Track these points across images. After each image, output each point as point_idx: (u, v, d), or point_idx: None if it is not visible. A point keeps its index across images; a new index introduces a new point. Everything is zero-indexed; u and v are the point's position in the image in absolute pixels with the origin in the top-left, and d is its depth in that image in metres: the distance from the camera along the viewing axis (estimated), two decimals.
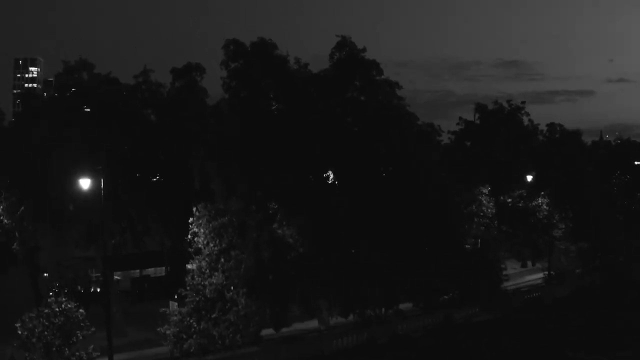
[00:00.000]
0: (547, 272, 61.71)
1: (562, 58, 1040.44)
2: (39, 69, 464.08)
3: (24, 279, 57.99)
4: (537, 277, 65.48)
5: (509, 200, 55.45)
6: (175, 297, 63.19)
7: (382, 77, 43.07)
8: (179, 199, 56.32)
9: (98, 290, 66.10)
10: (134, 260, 65.38)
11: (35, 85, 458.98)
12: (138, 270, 71.22)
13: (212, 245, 36.82)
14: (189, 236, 37.54)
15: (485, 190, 53.83)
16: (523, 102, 64.59)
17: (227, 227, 36.74)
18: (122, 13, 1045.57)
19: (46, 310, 34.56)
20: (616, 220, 59.34)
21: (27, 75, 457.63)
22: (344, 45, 43.17)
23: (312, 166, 40.50)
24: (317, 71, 42.73)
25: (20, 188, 50.49)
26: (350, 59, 43.07)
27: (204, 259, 36.98)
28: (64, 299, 35.44)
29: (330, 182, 42.20)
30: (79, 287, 63.25)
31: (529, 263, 69.65)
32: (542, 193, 56.26)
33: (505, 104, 63.68)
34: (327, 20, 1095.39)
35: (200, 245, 37.64)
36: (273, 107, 40.04)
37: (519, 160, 58.53)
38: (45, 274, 56.93)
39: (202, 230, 37.31)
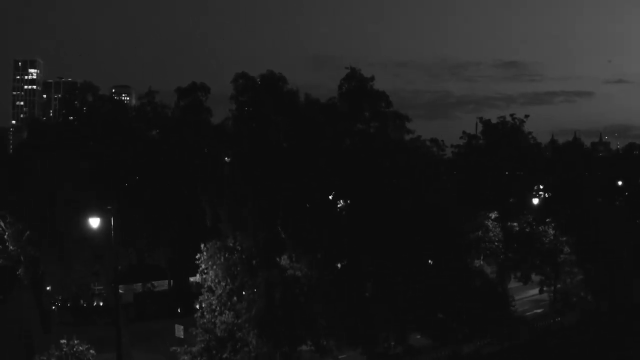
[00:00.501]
0: (552, 294, 61.49)
1: (561, 59, 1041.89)
2: (38, 71, 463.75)
3: (28, 297, 58.13)
4: (537, 291, 66.05)
5: (516, 225, 55.31)
6: (179, 310, 63.33)
7: (392, 109, 42.80)
8: (182, 213, 56.32)
9: (101, 304, 66.02)
10: (136, 273, 65.14)
11: (34, 87, 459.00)
12: (140, 284, 71.11)
13: (223, 284, 36.56)
14: (198, 275, 37.30)
15: (492, 215, 53.64)
16: (527, 116, 64.27)
17: (238, 266, 36.48)
18: (122, 13, 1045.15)
19: (57, 353, 34.32)
20: (623, 243, 59.13)
21: (26, 77, 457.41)
22: (353, 77, 42.91)
23: (322, 197, 40.25)
24: (324, 93, 42.48)
25: (26, 216, 50.62)
26: (359, 90, 42.84)
27: (215, 297, 36.73)
28: (76, 342, 35.12)
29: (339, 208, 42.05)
30: (82, 301, 63.29)
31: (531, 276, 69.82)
32: (548, 220, 56.15)
33: (508, 118, 63.39)
34: (327, 21, 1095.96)
35: (209, 283, 37.39)
36: (283, 143, 39.72)
37: (522, 182, 58.27)
38: (49, 287, 56.98)
39: (211, 268, 37.06)
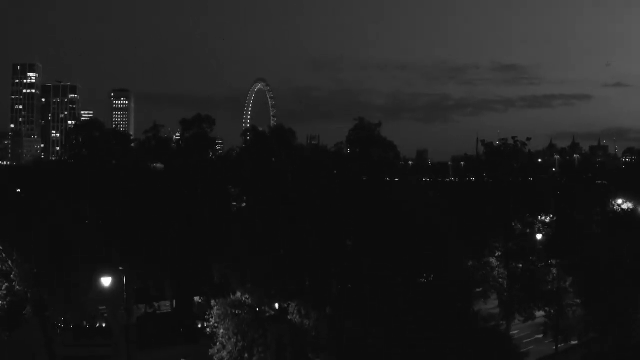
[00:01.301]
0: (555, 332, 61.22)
1: (559, 62, 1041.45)
2: (37, 75, 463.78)
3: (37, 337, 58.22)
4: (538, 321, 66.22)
5: (520, 266, 55.44)
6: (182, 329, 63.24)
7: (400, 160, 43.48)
8: (187, 242, 56.57)
9: (104, 325, 66.18)
10: (139, 294, 65.11)
11: (33, 90, 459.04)
12: (143, 305, 71.15)
13: (234, 340, 36.95)
14: (207, 329, 37.70)
15: (497, 254, 53.94)
16: (529, 139, 64.54)
17: (247, 323, 36.89)
18: (122, 13, 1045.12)
19: None
20: (626, 282, 59.22)
21: (25, 81, 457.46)
22: (362, 127, 43.57)
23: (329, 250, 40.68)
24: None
25: (35, 258, 50.78)
26: (367, 140, 43.48)
27: (226, 352, 37.14)
28: None
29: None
30: (85, 323, 63.51)
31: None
32: (552, 262, 56.37)
33: (510, 140, 63.55)
34: (327, 22, 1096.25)
35: (221, 338, 37.79)
36: (293, 194, 40.28)
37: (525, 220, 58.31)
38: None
39: (222, 324, 37.45)
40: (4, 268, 53.04)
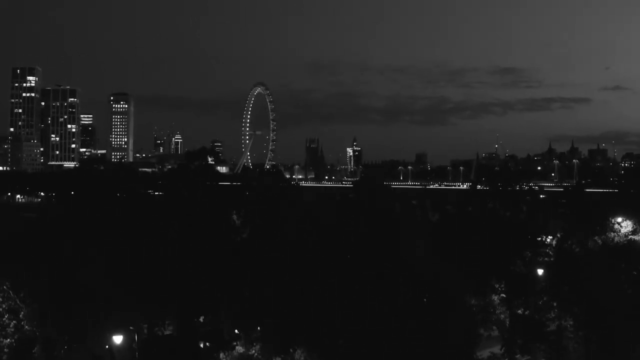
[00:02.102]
0: None
1: (558, 65, 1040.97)
2: (36, 78, 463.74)
3: None
4: None
5: (522, 310, 55.92)
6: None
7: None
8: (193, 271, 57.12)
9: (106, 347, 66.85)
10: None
11: (33, 94, 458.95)
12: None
13: None
14: None
15: (500, 295, 54.45)
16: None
17: None
18: (122, 13, 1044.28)
19: None
20: (627, 316, 59.62)
21: (24, 85, 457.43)
22: (367, 179, 44.53)
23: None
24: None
25: (43, 298, 51.48)
26: (371, 191, 44.38)
27: None
28: None
29: None
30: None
31: None
32: (554, 304, 56.86)
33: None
34: (326, 25, 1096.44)
35: None
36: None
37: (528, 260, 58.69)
38: None
39: None
40: (13, 305, 53.70)
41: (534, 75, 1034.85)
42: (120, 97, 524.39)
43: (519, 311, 55.02)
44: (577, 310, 58.13)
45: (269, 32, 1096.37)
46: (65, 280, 50.64)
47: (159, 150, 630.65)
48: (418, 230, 51.67)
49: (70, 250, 51.64)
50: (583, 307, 57.69)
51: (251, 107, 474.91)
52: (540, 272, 60.65)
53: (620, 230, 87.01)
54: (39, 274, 51.97)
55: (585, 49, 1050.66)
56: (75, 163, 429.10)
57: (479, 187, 71.93)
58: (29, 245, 54.39)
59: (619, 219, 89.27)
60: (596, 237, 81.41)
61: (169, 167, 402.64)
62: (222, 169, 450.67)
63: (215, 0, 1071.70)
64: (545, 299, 56.04)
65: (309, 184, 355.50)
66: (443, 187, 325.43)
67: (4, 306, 52.82)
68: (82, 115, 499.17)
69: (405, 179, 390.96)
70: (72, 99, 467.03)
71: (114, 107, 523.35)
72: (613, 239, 78.29)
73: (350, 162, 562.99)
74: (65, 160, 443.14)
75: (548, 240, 70.70)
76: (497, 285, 55.02)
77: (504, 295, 54.69)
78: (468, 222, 62.65)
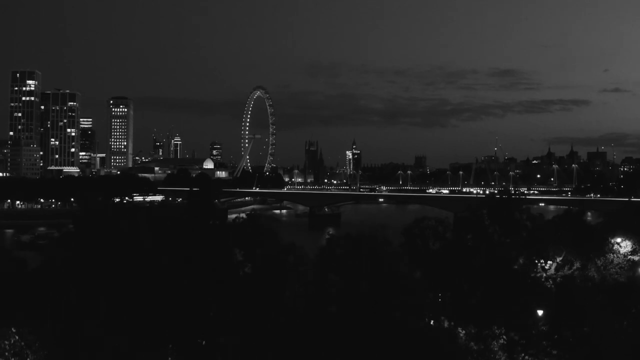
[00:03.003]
0: None
1: (557, 67, 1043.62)
2: (36, 82, 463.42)
3: None
4: None
5: (524, 356, 56.30)
6: None
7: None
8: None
9: None
10: None
11: (32, 98, 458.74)
12: None
13: None
14: None
15: (501, 340, 54.84)
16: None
17: None
18: (122, 13, 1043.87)
19: None
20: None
21: (24, 89, 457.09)
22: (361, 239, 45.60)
23: None
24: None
25: (50, 345, 52.05)
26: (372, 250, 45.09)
27: None
28: None
29: None
30: None
31: None
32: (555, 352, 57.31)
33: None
34: (325, 27, 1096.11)
35: None
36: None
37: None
38: None
39: None
40: (18, 351, 54.25)
41: (533, 77, 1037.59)
42: (119, 100, 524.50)
43: (520, 358, 55.42)
44: (578, 354, 58.61)
45: (268, 34, 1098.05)
46: (71, 329, 51.05)
47: (158, 153, 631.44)
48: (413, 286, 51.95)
49: (76, 298, 51.95)
50: (584, 352, 58.16)
51: (250, 111, 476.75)
52: (540, 312, 61.16)
53: (619, 251, 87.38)
54: (45, 322, 52.40)
55: (585, 51, 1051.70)
56: (75, 168, 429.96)
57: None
58: (34, 292, 54.91)
59: (618, 239, 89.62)
60: (596, 259, 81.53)
61: (169, 172, 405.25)
62: (222, 174, 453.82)
63: (214, 2, 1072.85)
64: (545, 343, 56.53)
65: (307, 190, 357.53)
66: (442, 195, 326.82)
67: (10, 352, 53.40)
68: (81, 119, 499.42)
69: (405, 183, 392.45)
70: (72, 103, 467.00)
71: (114, 111, 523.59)
72: (612, 261, 78.63)
73: (350, 165, 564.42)
74: (65, 165, 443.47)
75: (547, 265, 70.94)
76: (497, 331, 55.41)
77: (504, 342, 55.08)
78: (467, 256, 63.05)
